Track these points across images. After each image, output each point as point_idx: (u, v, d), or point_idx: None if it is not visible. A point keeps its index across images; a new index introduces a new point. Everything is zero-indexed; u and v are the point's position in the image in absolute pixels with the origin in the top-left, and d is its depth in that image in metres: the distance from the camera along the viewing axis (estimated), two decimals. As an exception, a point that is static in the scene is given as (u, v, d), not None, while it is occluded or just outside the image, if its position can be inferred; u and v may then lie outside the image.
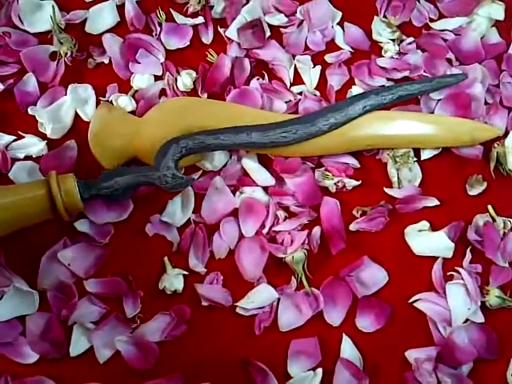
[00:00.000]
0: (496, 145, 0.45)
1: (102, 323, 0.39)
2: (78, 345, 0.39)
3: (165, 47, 0.48)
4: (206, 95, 0.47)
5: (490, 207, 0.44)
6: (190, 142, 0.41)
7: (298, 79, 0.48)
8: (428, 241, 0.43)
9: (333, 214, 0.43)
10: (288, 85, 0.47)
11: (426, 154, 0.46)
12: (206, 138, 0.41)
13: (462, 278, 0.41)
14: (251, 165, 0.44)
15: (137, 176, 0.39)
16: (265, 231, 0.42)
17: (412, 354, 0.40)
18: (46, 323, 0.39)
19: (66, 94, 0.45)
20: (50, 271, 0.40)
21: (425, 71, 0.48)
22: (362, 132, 0.44)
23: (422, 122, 0.46)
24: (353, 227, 0.43)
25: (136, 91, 0.46)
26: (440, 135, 0.45)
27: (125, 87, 0.46)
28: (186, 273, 0.41)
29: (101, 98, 0.46)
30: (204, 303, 0.40)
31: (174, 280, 0.40)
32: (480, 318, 0.40)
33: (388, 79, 0.48)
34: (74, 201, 0.38)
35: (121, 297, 0.40)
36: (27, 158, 0.44)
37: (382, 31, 0.50)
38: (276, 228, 0.42)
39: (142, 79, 0.46)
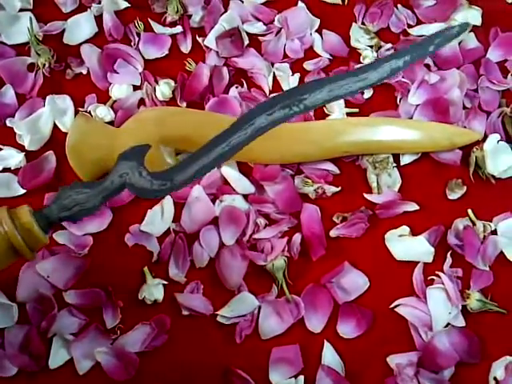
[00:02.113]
0: (475, 149, 0.46)
1: (82, 335, 0.39)
2: (57, 357, 0.38)
3: (143, 57, 0.49)
4: (184, 104, 0.47)
5: (469, 211, 0.44)
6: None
7: (277, 87, 0.48)
8: (408, 246, 0.43)
9: (313, 220, 0.43)
10: (267, 93, 0.48)
11: (405, 160, 0.46)
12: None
13: (443, 283, 0.41)
14: (231, 173, 0.44)
15: (93, 192, 0.34)
16: (245, 239, 0.42)
17: (393, 360, 0.40)
18: (25, 336, 0.38)
19: (44, 106, 0.45)
20: (29, 283, 0.39)
21: (403, 77, 0.49)
22: (340, 138, 0.44)
23: (401, 127, 0.46)
24: (333, 233, 0.43)
25: (115, 101, 0.46)
26: (419, 140, 0.45)
27: (103, 97, 0.46)
28: (166, 282, 0.40)
29: (79, 109, 0.46)
30: (184, 312, 0.40)
31: (154, 290, 0.40)
32: (461, 322, 0.40)
33: None
34: (34, 236, 0.33)
35: (101, 308, 0.40)
36: (5, 170, 0.44)
37: (360, 38, 0.51)
38: (256, 236, 0.42)
39: (120, 89, 0.46)
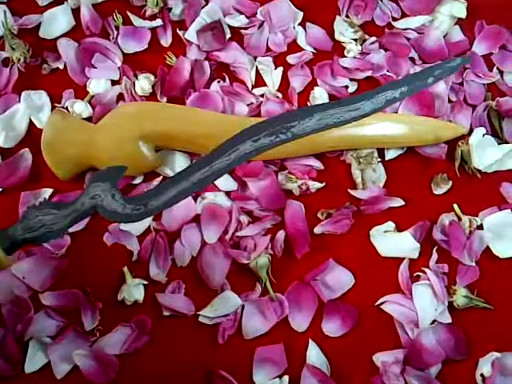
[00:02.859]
0: (460, 143, 0.45)
1: (60, 337, 0.38)
2: (34, 361, 0.38)
3: (122, 51, 0.48)
4: (165, 99, 0.46)
5: (455, 206, 0.44)
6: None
7: (259, 81, 0.48)
8: (394, 242, 0.42)
9: (297, 217, 0.43)
10: (250, 87, 0.47)
11: (390, 154, 0.46)
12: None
13: (429, 279, 0.41)
14: None
15: (61, 213, 0.33)
16: (228, 237, 0.41)
17: (379, 358, 0.39)
18: (1, 339, 0.38)
19: (19, 102, 0.45)
20: (4, 285, 0.39)
21: (388, 70, 0.49)
22: (324, 133, 0.43)
23: (386, 121, 0.45)
24: (317, 230, 0.43)
25: (92, 97, 0.46)
26: (404, 135, 0.45)
27: (81, 93, 0.46)
28: (146, 282, 0.40)
29: (56, 105, 0.45)
30: (166, 313, 0.39)
31: (134, 290, 0.39)
32: (447, 319, 0.40)
33: (351, 79, 0.48)
34: None
35: (79, 309, 0.39)
36: None
37: (344, 31, 0.50)
38: (239, 233, 0.41)
39: (98, 84, 0.46)
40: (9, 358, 0.37)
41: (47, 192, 0.43)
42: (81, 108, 0.44)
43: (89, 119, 0.44)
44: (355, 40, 0.50)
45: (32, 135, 0.44)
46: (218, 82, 0.46)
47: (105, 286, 0.40)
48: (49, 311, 0.39)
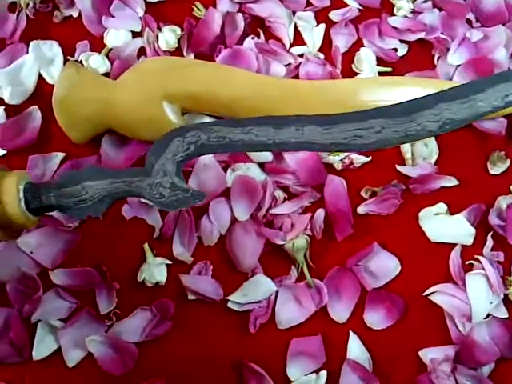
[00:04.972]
0: (522, 118, 0.42)
1: (72, 320, 0.36)
2: (42, 346, 0.36)
3: (145, -1, 0.44)
4: (192, 56, 0.43)
5: (513, 188, 0.42)
6: (204, 136, 0.30)
7: (298, 39, 0.45)
8: (445, 226, 0.40)
9: (338, 194, 0.40)
10: (287, 45, 0.44)
11: None
12: (231, 131, 0.30)
13: (483, 268, 0.38)
14: None
15: (116, 182, 0.30)
16: (261, 214, 0.39)
17: (427, 354, 0.37)
18: (5, 321, 0.36)
19: (27, 53, 0.42)
20: (10, 260, 0.37)
21: (442, 33, 0.45)
22: (369, 100, 0.40)
23: (439, 89, 0.41)
24: (361, 210, 0.40)
25: (110, 50, 0.43)
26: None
27: (97, 45, 0.43)
28: (169, 262, 0.38)
29: (69, 58, 0.42)
30: (190, 297, 0.37)
31: (155, 270, 0.37)
32: (503, 313, 0.38)
33: (401, 41, 0.45)
34: (13, 213, 0.28)
35: (93, 290, 0.37)
36: None
37: (394, -14, 0.47)
38: (274, 211, 0.39)
39: (117, 36, 0.43)
40: (14, 342, 0.35)
41: (58, 156, 0.40)
42: (97, 62, 0.41)
43: (106, 75, 0.42)
44: (406, -3, 0.46)
45: (41, 91, 0.42)
46: (252, 38, 0.43)
47: (123, 265, 0.38)
48: (59, 291, 0.37)
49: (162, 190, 0.30)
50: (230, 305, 0.37)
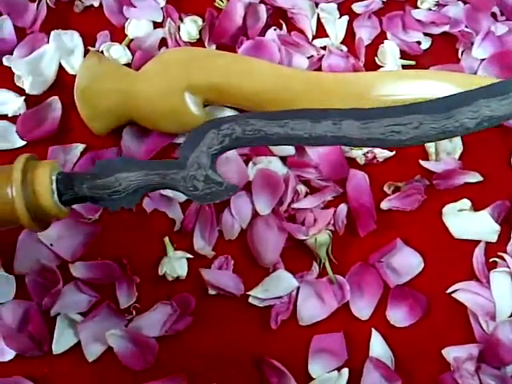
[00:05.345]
0: (548, 113, 0.40)
1: (92, 314, 0.35)
2: (62, 340, 0.35)
3: (166, -12, 0.44)
4: (213, 47, 0.43)
5: (539, 184, 0.40)
6: (239, 129, 0.29)
7: (321, 31, 0.44)
8: (469, 222, 0.39)
9: (361, 189, 0.39)
10: (310, 37, 0.44)
11: None
12: (267, 124, 0.29)
13: (508, 266, 0.38)
14: None
15: (150, 174, 0.29)
16: (283, 209, 0.38)
17: (450, 353, 0.36)
18: (24, 313, 0.35)
19: (48, 42, 0.41)
20: (29, 252, 0.36)
21: (466, 26, 0.45)
22: (392, 94, 0.39)
23: (462, 84, 0.40)
24: (384, 205, 0.39)
25: (131, 40, 0.43)
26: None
27: (118, 35, 0.43)
28: (190, 256, 0.37)
29: (90, 48, 0.42)
30: (211, 291, 0.37)
31: (176, 264, 0.37)
32: None
33: (425, 34, 0.45)
34: (47, 205, 0.28)
35: (113, 283, 0.37)
36: (1, 117, 0.40)
37: (419, -22, 0.46)
38: (296, 205, 0.38)
39: (138, 26, 0.42)
40: (34, 335, 0.34)
41: (78, 148, 0.39)
42: (118, 53, 0.41)
43: (127, 66, 0.41)
44: (431, -11, 0.46)
45: (61, 82, 0.41)
46: (275, 29, 0.43)
47: (143, 259, 0.37)
48: (79, 284, 0.36)
49: (196, 182, 0.29)
50: (250, 300, 0.36)
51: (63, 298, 0.35)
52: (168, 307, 0.36)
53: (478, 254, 0.38)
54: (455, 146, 0.41)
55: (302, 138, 0.29)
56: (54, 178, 0.28)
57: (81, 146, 0.39)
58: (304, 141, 0.29)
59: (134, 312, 0.36)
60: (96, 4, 0.43)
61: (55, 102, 0.40)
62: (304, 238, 0.37)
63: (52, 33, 0.41)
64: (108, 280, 0.36)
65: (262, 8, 0.43)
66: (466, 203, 0.39)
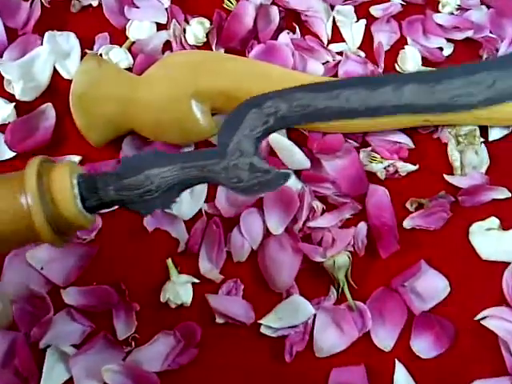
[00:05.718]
0: None
1: (86, 346, 0.34)
2: (52, 376, 0.34)
3: (171, -11, 0.43)
4: (222, 51, 0.42)
5: None
6: (284, 106, 0.26)
7: (337, 35, 0.43)
8: (498, 242, 0.38)
9: (382, 206, 0.38)
10: (325, 42, 0.43)
11: (494, 134, 0.41)
12: (316, 97, 0.26)
13: None
14: (280, 142, 0.38)
15: (186, 167, 0.26)
16: (297, 227, 0.37)
17: None
18: (10, 346, 0.34)
19: (41, 44, 0.41)
20: (17, 276, 0.35)
21: (490, 32, 0.43)
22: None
23: None
24: (407, 224, 0.38)
25: (133, 43, 0.42)
26: (512, 111, 0.40)
27: (118, 37, 0.42)
28: (195, 280, 0.36)
29: (87, 51, 0.41)
30: (219, 320, 0.36)
31: (180, 289, 0.36)
32: None
33: (447, 40, 0.43)
34: (70, 214, 0.24)
35: (110, 311, 0.35)
36: None
37: (440, -20, 0.45)
38: (311, 223, 0.37)
39: (140, 28, 0.42)
40: (20, 370, 0.33)
41: (74, 161, 0.38)
42: (118, 56, 0.40)
43: (128, 71, 0.40)
44: (453, -7, 0.45)
45: (55, 87, 0.40)
46: (288, 33, 0.42)
47: (144, 283, 0.36)
48: (72, 312, 0.35)
49: (240, 172, 0.26)
50: (262, 329, 0.35)
51: (54, 328, 0.34)
52: (171, 338, 0.35)
53: (508, 276, 0.37)
54: (482, 159, 0.40)
55: (357, 111, 0.26)
56: (74, 181, 0.25)
57: (76, 159, 0.38)
58: (360, 114, 0.26)
59: (132, 343, 0.35)
60: (94, 3, 0.43)
61: (48, 109, 0.39)
62: (321, 260, 0.36)
63: (46, 34, 0.41)
64: (104, 307, 0.35)
65: (274, 10, 0.42)
66: (494, 221, 0.38)
